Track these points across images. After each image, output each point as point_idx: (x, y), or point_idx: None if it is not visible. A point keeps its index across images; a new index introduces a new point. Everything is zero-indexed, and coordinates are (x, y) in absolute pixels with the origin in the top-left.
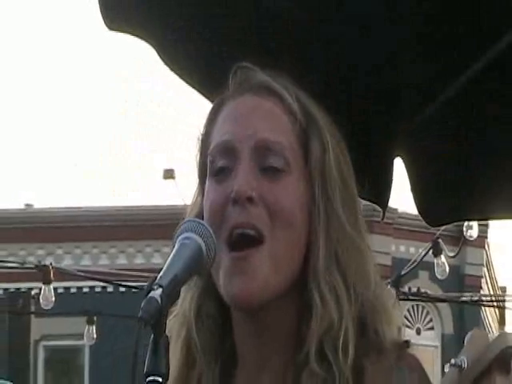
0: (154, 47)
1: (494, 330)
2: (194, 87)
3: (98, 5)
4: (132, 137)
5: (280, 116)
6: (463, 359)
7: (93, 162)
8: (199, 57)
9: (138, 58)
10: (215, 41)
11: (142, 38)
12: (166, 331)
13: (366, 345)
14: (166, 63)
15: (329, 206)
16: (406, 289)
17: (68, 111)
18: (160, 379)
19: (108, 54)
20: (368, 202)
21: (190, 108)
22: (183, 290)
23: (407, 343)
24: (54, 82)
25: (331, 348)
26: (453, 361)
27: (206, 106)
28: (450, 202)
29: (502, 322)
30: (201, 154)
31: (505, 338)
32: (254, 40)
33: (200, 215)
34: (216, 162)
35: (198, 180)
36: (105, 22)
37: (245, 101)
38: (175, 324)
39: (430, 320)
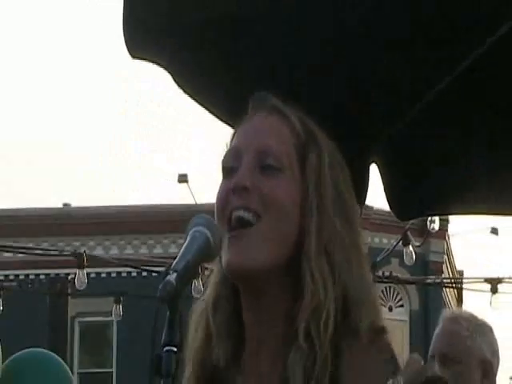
0: (170, 74)
1: (453, 307)
2: (208, 110)
3: (123, 36)
4: (132, 137)
5: (282, 130)
6: (400, 379)
7: (93, 161)
8: (214, 86)
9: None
10: (232, 71)
11: (161, 65)
12: (189, 310)
13: (345, 328)
14: (181, 87)
15: (320, 204)
16: (380, 273)
17: (68, 111)
18: (175, 349)
19: (108, 53)
20: None
21: (190, 108)
22: (210, 278)
23: (383, 329)
24: (54, 82)
25: (315, 327)
26: (390, 381)
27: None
28: (417, 201)
29: (459, 300)
30: None
31: (433, 366)
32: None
33: None
34: (226, 164)
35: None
36: (128, 51)
37: (256, 118)
38: (200, 306)
39: (400, 299)
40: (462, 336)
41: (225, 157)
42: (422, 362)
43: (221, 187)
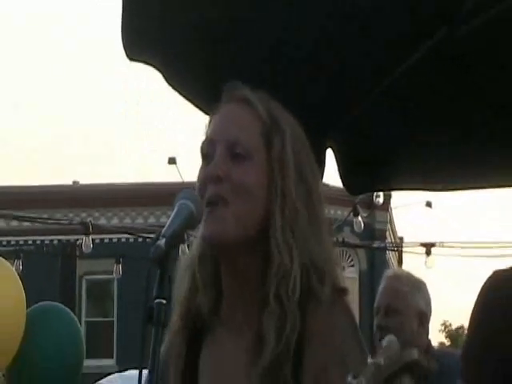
0: (162, 74)
1: (394, 267)
2: (193, 103)
3: (121, 41)
4: (132, 137)
5: (249, 119)
6: (380, 359)
7: (98, 148)
8: (198, 83)
9: None
10: (216, 71)
11: (153, 66)
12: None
13: (309, 292)
14: (172, 85)
15: (283, 186)
16: (334, 239)
17: (68, 111)
18: (164, 301)
19: (108, 53)
20: None
21: (190, 108)
22: (195, 239)
23: (344, 291)
24: (56, 83)
25: (284, 292)
26: (371, 360)
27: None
28: (365, 179)
29: (400, 261)
30: None
31: (412, 352)
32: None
33: None
34: (203, 152)
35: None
36: (126, 55)
37: (226, 109)
38: (186, 261)
39: (351, 260)
40: (403, 291)
41: (202, 144)
42: (401, 346)
43: (200, 172)
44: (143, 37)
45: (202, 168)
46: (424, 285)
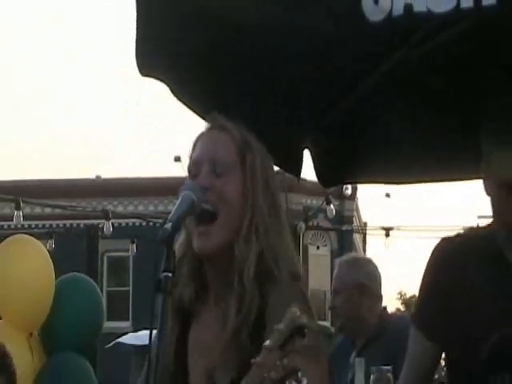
0: (169, 87)
1: (360, 247)
2: (199, 116)
3: (135, 56)
4: (132, 137)
5: (227, 141)
6: (282, 325)
7: (116, 146)
8: (201, 84)
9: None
10: (219, 87)
11: (163, 81)
12: (175, 248)
13: (268, 275)
14: (178, 98)
15: (254, 196)
16: (311, 223)
17: (68, 111)
18: (170, 274)
19: (108, 53)
20: (290, 174)
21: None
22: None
23: (298, 275)
24: (56, 83)
25: (244, 275)
26: (276, 326)
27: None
28: (336, 174)
29: (364, 241)
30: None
31: (301, 317)
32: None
33: None
34: (191, 172)
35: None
36: (139, 70)
37: (208, 134)
38: (181, 247)
39: (325, 241)
40: (341, 274)
41: (189, 165)
42: (298, 313)
43: None
44: (154, 55)
45: None
46: (367, 261)
